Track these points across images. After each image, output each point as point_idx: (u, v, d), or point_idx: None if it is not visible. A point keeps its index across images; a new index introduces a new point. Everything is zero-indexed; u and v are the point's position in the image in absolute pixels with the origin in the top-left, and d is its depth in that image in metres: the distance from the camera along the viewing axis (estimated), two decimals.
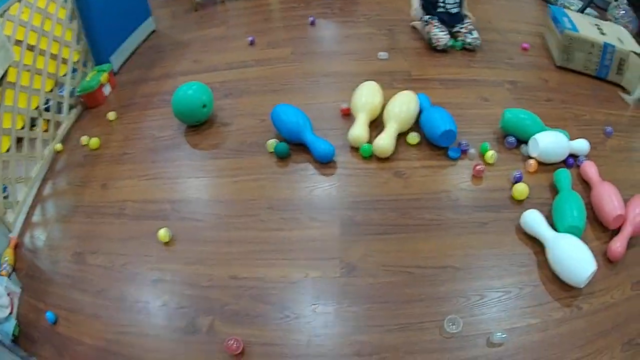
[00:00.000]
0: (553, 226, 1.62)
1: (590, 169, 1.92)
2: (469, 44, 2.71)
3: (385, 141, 1.88)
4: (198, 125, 2.23)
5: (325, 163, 1.91)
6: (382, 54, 2.67)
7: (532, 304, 1.42)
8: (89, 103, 2.49)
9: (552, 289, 1.46)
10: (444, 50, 2.70)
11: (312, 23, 3.16)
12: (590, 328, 1.35)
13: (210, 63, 2.80)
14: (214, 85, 2.51)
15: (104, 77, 2.51)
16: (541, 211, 1.68)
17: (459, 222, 1.67)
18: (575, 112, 2.33)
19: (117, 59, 2.83)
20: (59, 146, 2.20)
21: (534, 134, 1.97)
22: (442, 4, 2.77)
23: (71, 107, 2.43)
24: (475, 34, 2.72)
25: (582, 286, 1.44)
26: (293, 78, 2.54)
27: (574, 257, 1.45)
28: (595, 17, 3.30)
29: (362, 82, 2.21)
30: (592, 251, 1.47)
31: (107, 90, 2.58)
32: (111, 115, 2.35)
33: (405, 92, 2.08)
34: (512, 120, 2.01)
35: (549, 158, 1.94)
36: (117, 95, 2.59)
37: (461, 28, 2.75)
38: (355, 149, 1.97)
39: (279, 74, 2.59)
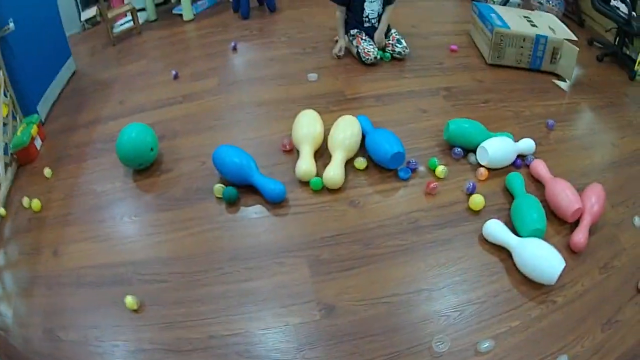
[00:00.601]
0: (514, 231, 1.80)
1: (539, 168, 2.13)
2: (399, 53, 2.91)
3: (335, 172, 1.99)
4: (142, 169, 2.27)
5: (277, 203, 2.03)
6: (312, 76, 2.81)
7: (509, 307, 1.60)
8: (22, 160, 2.45)
9: (525, 290, 1.66)
10: (374, 64, 2.91)
11: (234, 48, 3.26)
12: (568, 318, 1.57)
13: (136, 103, 2.84)
14: None
15: (34, 129, 2.48)
16: (499, 217, 1.88)
17: (423, 244, 1.83)
18: (515, 109, 2.58)
19: (43, 107, 2.79)
20: (2, 211, 2.16)
21: (479, 142, 2.16)
22: (367, 19, 2.95)
23: (6, 166, 2.37)
24: (404, 42, 2.92)
25: (553, 283, 1.63)
26: (225, 111, 2.63)
27: (543, 258, 1.64)
28: (518, 5, 3.65)
29: (295, 108, 2.36)
30: (555, 246, 1.68)
31: (38, 143, 2.54)
32: (47, 172, 2.33)
33: (345, 117, 2.22)
34: (456, 132, 2.20)
35: (498, 164, 2.14)
36: (48, 147, 2.57)
37: (388, 38, 2.98)
38: (304, 183, 2.07)
39: (209, 109, 2.68)
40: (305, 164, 2.06)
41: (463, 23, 3.43)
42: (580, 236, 1.82)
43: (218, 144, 2.18)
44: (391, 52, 2.94)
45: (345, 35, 2.96)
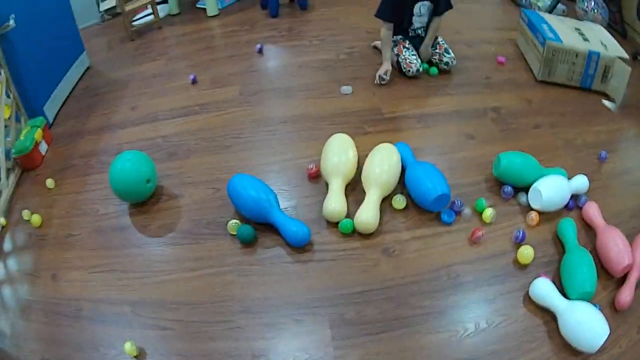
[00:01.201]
0: (562, 290, 1.62)
1: (592, 212, 1.92)
2: (446, 64, 2.66)
3: (368, 215, 1.77)
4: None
5: (300, 247, 1.81)
6: (345, 89, 2.58)
7: None
8: (25, 165, 2.33)
9: (564, 356, 1.48)
10: (415, 77, 2.67)
11: (260, 51, 3.05)
12: None
13: (149, 110, 2.65)
14: (156, 141, 2.38)
15: (38, 134, 2.34)
16: (548, 271, 1.70)
17: (463, 304, 1.61)
18: (566, 136, 2.34)
19: (51, 108, 2.64)
20: (2, 220, 2.06)
21: (532, 180, 1.95)
22: (412, 28, 2.70)
23: (9, 171, 2.26)
24: (451, 53, 2.67)
25: (594, 352, 1.47)
26: (246, 127, 2.42)
27: (588, 325, 1.48)
28: (564, 12, 3.38)
29: (326, 127, 2.17)
30: (600, 303, 1.56)
31: (43, 148, 2.40)
32: (49, 183, 2.21)
33: (383, 146, 1.98)
34: (508, 168, 1.96)
35: (552, 207, 1.91)
36: (54, 153, 2.43)
37: (435, 48, 2.72)
38: (332, 224, 1.86)
39: (228, 122, 2.47)
40: (335, 203, 1.83)
41: (509, 30, 3.16)
42: (626, 294, 1.66)
43: (234, 168, 2.02)
44: (438, 61, 2.69)
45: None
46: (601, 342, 1.47)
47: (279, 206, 1.85)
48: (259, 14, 3.66)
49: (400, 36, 2.70)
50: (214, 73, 2.93)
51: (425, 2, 2.60)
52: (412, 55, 2.61)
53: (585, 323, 1.50)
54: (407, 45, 2.65)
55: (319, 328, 1.57)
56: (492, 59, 2.87)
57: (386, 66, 2.62)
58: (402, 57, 2.61)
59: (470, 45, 2.98)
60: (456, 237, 1.83)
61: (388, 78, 2.63)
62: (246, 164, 2.12)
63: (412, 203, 1.93)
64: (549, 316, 1.59)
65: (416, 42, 2.71)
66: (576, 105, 2.59)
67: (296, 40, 3.19)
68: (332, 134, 2.09)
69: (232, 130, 2.43)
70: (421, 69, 2.65)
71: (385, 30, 2.60)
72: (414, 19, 2.64)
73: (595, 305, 1.58)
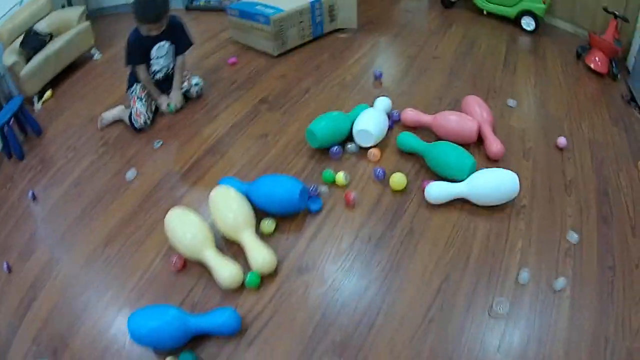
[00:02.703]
0: (451, 181, 1.79)
1: (413, 114, 2.10)
2: (197, 84, 2.55)
3: (263, 255, 1.59)
4: None
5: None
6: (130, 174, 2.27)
7: None
8: None
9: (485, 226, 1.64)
10: (142, 131, 2.41)
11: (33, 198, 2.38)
12: None
13: None
14: None
15: None
16: (425, 178, 1.88)
17: (396, 251, 1.64)
18: (336, 80, 2.50)
19: None
20: None
21: (348, 129, 2.03)
22: (153, 71, 2.48)
23: None
24: (200, 82, 2.57)
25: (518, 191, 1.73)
26: None
27: (499, 178, 1.73)
28: None
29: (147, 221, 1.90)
30: (480, 166, 1.85)
31: None
32: None
33: (216, 191, 1.76)
34: (323, 134, 1.97)
35: (381, 136, 2.01)
36: None
37: (189, 86, 2.56)
38: (240, 290, 1.59)
39: None
40: (228, 269, 1.57)
41: (218, 34, 3.24)
42: (495, 145, 1.93)
43: None
44: (188, 87, 2.56)
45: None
46: (516, 182, 1.69)
47: (187, 314, 1.54)
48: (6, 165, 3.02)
49: (140, 84, 2.46)
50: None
51: (163, 43, 2.40)
52: (143, 106, 2.40)
53: (495, 179, 1.72)
54: (141, 96, 2.43)
55: None
56: (225, 65, 2.86)
57: (163, 99, 2.47)
58: (134, 108, 2.39)
59: (199, 68, 2.91)
60: (337, 214, 1.80)
61: (176, 105, 2.48)
62: None
63: (279, 218, 1.80)
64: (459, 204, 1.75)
65: (165, 87, 2.52)
66: (322, 54, 2.76)
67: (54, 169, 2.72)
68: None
69: None
70: (148, 121, 2.43)
71: (141, 72, 2.41)
72: (152, 62, 2.43)
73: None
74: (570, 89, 2.53)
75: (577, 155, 2.02)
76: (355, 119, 2.05)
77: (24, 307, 1.63)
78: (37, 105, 2.99)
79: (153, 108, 2.49)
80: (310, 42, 2.83)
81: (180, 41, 2.46)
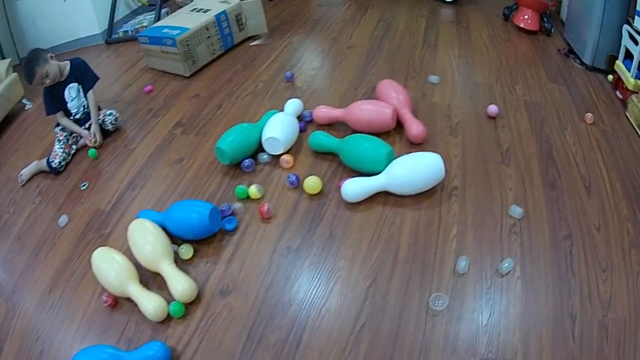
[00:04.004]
0: (368, 175, 1.72)
1: (323, 112, 2.06)
2: (116, 120, 2.56)
3: (183, 285, 1.58)
4: None
5: None
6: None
7: None
8: None
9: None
10: (59, 171, 2.41)
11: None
12: None
13: None
14: None
15: None
16: (340, 177, 1.80)
17: (317, 260, 1.57)
18: (246, 90, 2.46)
19: None
20: None
21: (256, 140, 1.97)
22: (72, 115, 2.56)
23: None
24: (113, 112, 2.57)
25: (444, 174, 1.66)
26: None
27: (423, 166, 1.67)
28: (168, 13, 3.46)
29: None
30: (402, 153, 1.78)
31: None
32: None
33: (134, 224, 1.76)
34: (232, 149, 1.92)
35: (292, 141, 1.96)
36: None
37: (103, 117, 2.56)
38: (166, 321, 1.57)
39: None
40: (152, 302, 1.58)
41: (130, 68, 3.15)
42: (415, 128, 1.87)
43: None
44: (104, 123, 2.56)
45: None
46: (441, 164, 1.63)
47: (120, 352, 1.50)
48: None
49: (60, 127, 2.56)
50: None
51: (72, 84, 2.53)
52: (60, 148, 2.49)
53: (419, 166, 1.67)
54: (60, 138, 2.53)
55: None
56: (141, 95, 2.79)
57: (85, 135, 2.53)
58: (54, 150, 2.48)
59: (119, 101, 2.84)
60: (254, 229, 1.75)
61: (98, 140, 2.51)
62: None
63: (196, 243, 1.75)
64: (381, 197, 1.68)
65: (82, 123, 2.59)
66: (234, 66, 2.71)
67: None
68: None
69: None
70: (63, 164, 2.46)
71: (60, 118, 2.53)
72: (69, 104, 2.53)
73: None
74: (500, 53, 2.49)
75: (512, 121, 1.97)
76: (262, 129, 2.00)
77: None
78: None
79: (72, 152, 2.55)
80: (221, 55, 2.77)
81: (86, 79, 2.55)
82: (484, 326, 1.30)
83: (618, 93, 2.11)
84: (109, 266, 1.67)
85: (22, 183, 2.50)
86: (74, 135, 2.59)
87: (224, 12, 2.67)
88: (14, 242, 2.09)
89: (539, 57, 2.42)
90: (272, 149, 1.94)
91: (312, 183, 1.76)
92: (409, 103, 1.98)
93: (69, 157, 2.52)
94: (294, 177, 1.81)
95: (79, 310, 1.68)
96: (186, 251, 1.72)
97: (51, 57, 2.45)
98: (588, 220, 1.53)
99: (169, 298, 1.57)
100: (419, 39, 2.71)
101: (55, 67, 2.44)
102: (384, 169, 1.70)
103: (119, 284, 1.64)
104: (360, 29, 2.94)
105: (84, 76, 2.55)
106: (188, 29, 2.65)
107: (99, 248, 1.75)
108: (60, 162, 2.44)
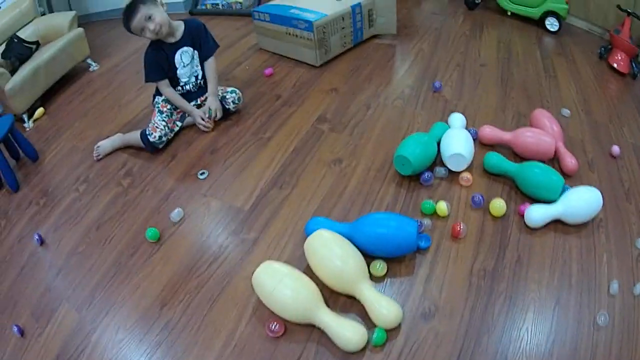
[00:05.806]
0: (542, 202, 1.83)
1: (491, 131, 2.13)
2: (236, 102, 2.43)
3: (388, 309, 1.48)
4: None
5: None
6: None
7: None
8: None
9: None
10: (157, 148, 2.27)
11: (41, 242, 2.21)
12: None
13: None
14: None
15: None
16: (522, 202, 1.86)
17: (518, 288, 1.60)
18: (393, 95, 2.45)
19: None
20: None
21: (433, 154, 1.99)
22: (181, 84, 2.36)
23: None
24: (236, 90, 2.43)
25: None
26: None
27: (587, 199, 1.77)
28: None
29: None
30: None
31: None
32: None
33: (309, 243, 1.61)
34: (417, 160, 1.91)
35: (471, 157, 1.99)
36: None
37: (224, 93, 2.42)
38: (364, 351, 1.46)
39: None
40: (352, 331, 1.44)
41: (238, 41, 3.14)
42: (571, 161, 1.99)
43: None
44: (227, 103, 2.43)
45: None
46: (601, 199, 1.76)
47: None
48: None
49: (163, 98, 2.34)
50: None
51: (185, 48, 2.28)
52: (162, 121, 2.27)
53: (586, 197, 1.77)
54: (162, 110, 2.31)
55: None
56: (260, 77, 2.76)
57: (197, 112, 2.33)
58: (152, 122, 2.26)
59: (230, 79, 2.80)
60: (447, 249, 1.76)
61: (211, 115, 2.35)
62: None
63: (390, 262, 1.70)
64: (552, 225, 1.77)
65: (192, 97, 2.39)
66: (367, 64, 2.70)
67: (59, 200, 2.49)
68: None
69: None
70: (164, 139, 2.28)
71: (165, 88, 2.29)
72: (179, 72, 2.31)
73: (567, 187, 1.85)
74: (605, 92, 2.59)
75: (627, 162, 2.09)
76: (437, 140, 2.04)
77: None
78: (29, 124, 2.78)
79: (175, 129, 2.36)
80: (349, 50, 2.77)
81: (204, 44, 2.33)
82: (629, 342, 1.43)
83: None
84: (287, 287, 1.47)
85: (98, 157, 2.30)
86: (179, 110, 2.35)
87: (359, 4, 2.62)
88: (90, 232, 1.90)
89: (632, 100, 2.54)
90: (455, 165, 1.97)
91: (499, 205, 1.81)
92: (561, 134, 2.08)
93: (171, 134, 2.32)
94: (479, 197, 1.85)
95: (219, 338, 1.50)
96: (381, 268, 1.62)
97: (162, 4, 2.16)
98: None
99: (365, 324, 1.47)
100: (539, 67, 2.80)
101: (165, 17, 2.13)
102: (558, 198, 1.80)
103: (305, 310, 1.45)
104: (485, 48, 3.00)
105: (203, 41, 2.32)
106: (325, 14, 2.55)
107: (265, 263, 1.55)
108: (160, 137, 2.23)
